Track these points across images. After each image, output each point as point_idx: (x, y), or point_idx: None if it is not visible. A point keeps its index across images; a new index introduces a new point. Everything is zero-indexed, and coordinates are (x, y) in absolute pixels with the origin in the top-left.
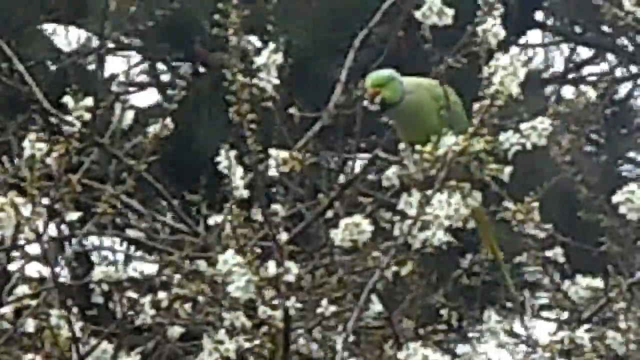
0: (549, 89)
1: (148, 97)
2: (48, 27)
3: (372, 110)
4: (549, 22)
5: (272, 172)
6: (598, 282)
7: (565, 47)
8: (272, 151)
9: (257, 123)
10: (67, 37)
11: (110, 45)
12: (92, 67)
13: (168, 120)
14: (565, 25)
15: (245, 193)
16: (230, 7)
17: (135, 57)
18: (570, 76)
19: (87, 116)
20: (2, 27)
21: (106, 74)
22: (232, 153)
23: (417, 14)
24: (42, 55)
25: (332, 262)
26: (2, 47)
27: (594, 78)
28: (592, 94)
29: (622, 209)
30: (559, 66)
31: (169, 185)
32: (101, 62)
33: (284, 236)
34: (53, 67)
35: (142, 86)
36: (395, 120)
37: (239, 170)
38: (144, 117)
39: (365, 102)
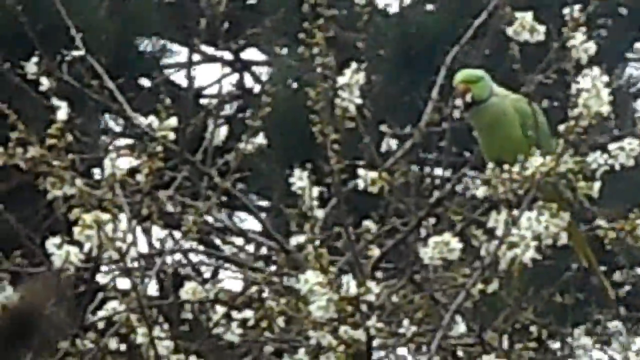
0: None
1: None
2: (141, 41)
3: (459, 110)
4: None
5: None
6: None
7: None
8: (361, 171)
9: (340, 143)
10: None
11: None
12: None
13: (260, 137)
14: None
15: (320, 213)
16: (315, 27)
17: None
18: None
19: (172, 136)
20: (95, 43)
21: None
22: (306, 173)
23: (509, 31)
24: (135, 71)
25: (425, 278)
26: (92, 65)
27: None
28: None
29: None
30: None
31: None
32: (190, 76)
33: (376, 252)
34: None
35: (233, 97)
36: (477, 122)
37: (314, 190)
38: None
39: (456, 100)
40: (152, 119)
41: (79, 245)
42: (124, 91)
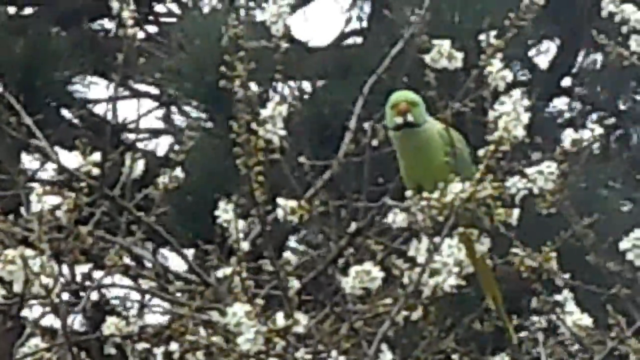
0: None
1: (163, 144)
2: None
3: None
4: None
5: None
6: (587, 320)
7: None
8: (280, 200)
9: (264, 175)
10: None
11: (125, 92)
12: (106, 114)
13: (178, 171)
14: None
15: (246, 246)
16: (236, 60)
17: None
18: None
19: (96, 171)
20: (15, 77)
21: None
22: (231, 206)
23: (427, 58)
24: (54, 105)
25: (345, 310)
26: (9, 101)
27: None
28: (597, 131)
29: (630, 256)
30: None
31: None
32: (114, 110)
33: (295, 284)
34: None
35: (156, 133)
36: (404, 146)
37: (240, 223)
38: (159, 163)
39: (397, 118)
40: (75, 155)
41: (1, 281)
42: (44, 126)
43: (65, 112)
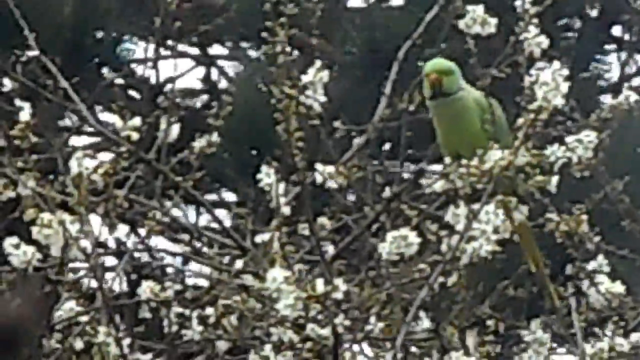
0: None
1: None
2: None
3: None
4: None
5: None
6: (618, 287)
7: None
8: (319, 166)
9: (304, 140)
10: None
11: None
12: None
13: (214, 136)
14: None
15: (287, 210)
16: (277, 25)
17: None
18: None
19: (136, 136)
20: (49, 42)
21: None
22: (272, 170)
23: (461, 24)
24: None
25: (380, 275)
26: (46, 64)
27: None
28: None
29: None
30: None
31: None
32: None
33: (330, 250)
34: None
35: (196, 93)
36: (440, 115)
37: (281, 187)
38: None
39: (426, 90)
40: (115, 119)
41: (38, 245)
42: (84, 86)
43: (105, 72)
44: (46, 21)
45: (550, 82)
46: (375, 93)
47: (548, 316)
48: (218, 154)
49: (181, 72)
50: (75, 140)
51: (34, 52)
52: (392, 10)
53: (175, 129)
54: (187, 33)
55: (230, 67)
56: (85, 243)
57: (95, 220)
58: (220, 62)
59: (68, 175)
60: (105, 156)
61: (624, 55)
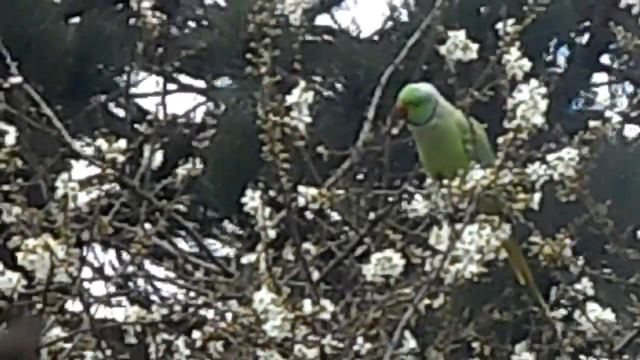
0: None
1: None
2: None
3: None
4: (615, 65)
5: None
6: (608, 315)
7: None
8: (302, 188)
9: (289, 162)
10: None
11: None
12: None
13: (197, 161)
14: (631, 68)
15: (273, 233)
16: (261, 47)
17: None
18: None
19: (122, 158)
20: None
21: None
22: (258, 194)
23: (442, 49)
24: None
25: (364, 300)
26: (29, 92)
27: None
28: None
29: None
30: (622, 105)
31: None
32: (128, 101)
33: (315, 274)
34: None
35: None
36: (418, 140)
37: (267, 211)
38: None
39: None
40: (100, 142)
41: (23, 270)
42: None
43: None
44: (49, 49)
45: (528, 101)
46: (358, 120)
47: (534, 338)
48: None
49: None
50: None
51: (17, 79)
52: (373, 42)
53: (159, 156)
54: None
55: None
56: (72, 267)
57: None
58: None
59: (53, 202)
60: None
61: (613, 84)
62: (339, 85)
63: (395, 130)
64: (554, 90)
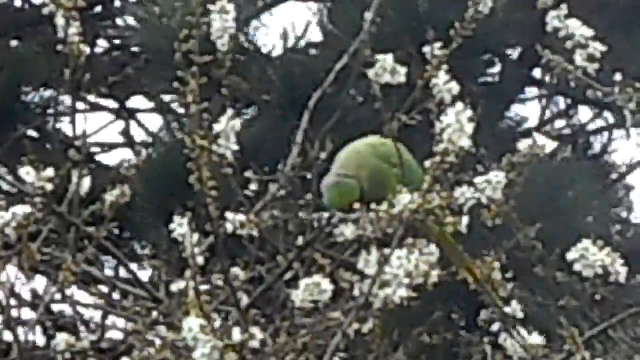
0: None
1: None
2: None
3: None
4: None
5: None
6: (537, 339)
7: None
8: (229, 214)
9: (217, 189)
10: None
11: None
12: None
13: (126, 188)
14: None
15: (201, 260)
16: (189, 75)
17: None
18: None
19: (50, 187)
20: None
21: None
22: (186, 220)
23: (370, 73)
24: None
25: (294, 324)
26: None
27: (568, 131)
28: (550, 145)
29: (577, 267)
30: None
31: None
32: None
33: (244, 299)
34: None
35: (113, 146)
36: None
37: (195, 237)
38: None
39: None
40: (28, 171)
41: None
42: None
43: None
44: None
45: (454, 124)
46: (289, 138)
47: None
48: (133, 206)
49: (100, 126)
50: None
51: None
52: (307, 56)
53: (87, 182)
54: (101, 84)
55: (150, 120)
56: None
57: (10, 271)
58: (139, 116)
59: None
60: (19, 209)
61: (544, 98)
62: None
63: (323, 155)
64: (485, 105)
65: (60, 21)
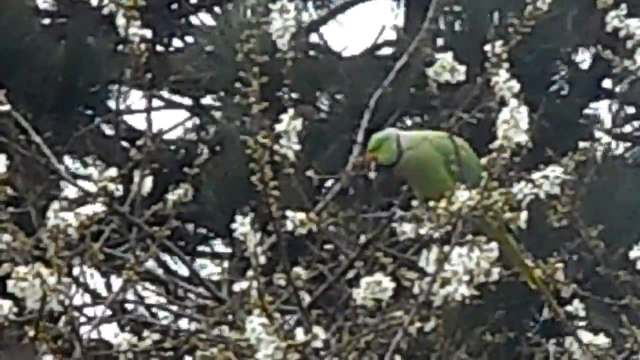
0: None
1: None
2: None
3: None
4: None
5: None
6: (602, 340)
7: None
8: (289, 213)
9: (279, 189)
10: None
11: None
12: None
13: (188, 186)
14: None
15: (263, 259)
16: (250, 76)
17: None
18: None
19: (112, 187)
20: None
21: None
22: (248, 220)
23: (429, 72)
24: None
25: (356, 324)
26: (18, 119)
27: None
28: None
29: None
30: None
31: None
32: (117, 127)
33: (306, 299)
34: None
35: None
36: (402, 176)
37: (257, 237)
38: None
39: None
40: (91, 170)
41: (13, 298)
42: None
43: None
44: (37, 63)
45: (509, 120)
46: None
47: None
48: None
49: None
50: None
51: (5, 107)
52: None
53: (149, 182)
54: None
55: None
56: (63, 295)
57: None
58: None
59: (42, 229)
60: (83, 209)
61: (614, 107)
62: (325, 107)
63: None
64: (554, 114)
65: (120, 21)
